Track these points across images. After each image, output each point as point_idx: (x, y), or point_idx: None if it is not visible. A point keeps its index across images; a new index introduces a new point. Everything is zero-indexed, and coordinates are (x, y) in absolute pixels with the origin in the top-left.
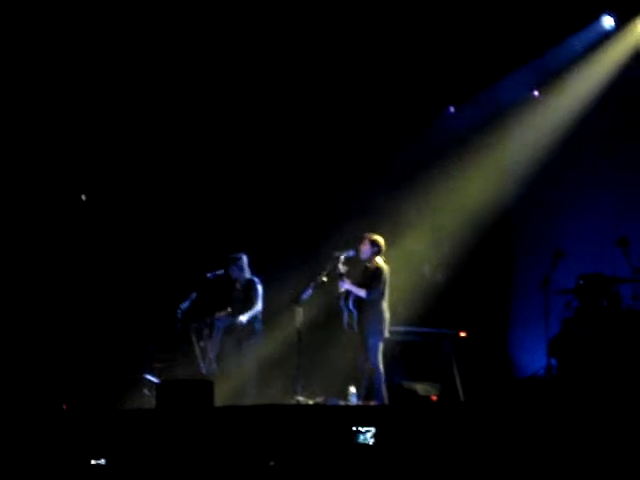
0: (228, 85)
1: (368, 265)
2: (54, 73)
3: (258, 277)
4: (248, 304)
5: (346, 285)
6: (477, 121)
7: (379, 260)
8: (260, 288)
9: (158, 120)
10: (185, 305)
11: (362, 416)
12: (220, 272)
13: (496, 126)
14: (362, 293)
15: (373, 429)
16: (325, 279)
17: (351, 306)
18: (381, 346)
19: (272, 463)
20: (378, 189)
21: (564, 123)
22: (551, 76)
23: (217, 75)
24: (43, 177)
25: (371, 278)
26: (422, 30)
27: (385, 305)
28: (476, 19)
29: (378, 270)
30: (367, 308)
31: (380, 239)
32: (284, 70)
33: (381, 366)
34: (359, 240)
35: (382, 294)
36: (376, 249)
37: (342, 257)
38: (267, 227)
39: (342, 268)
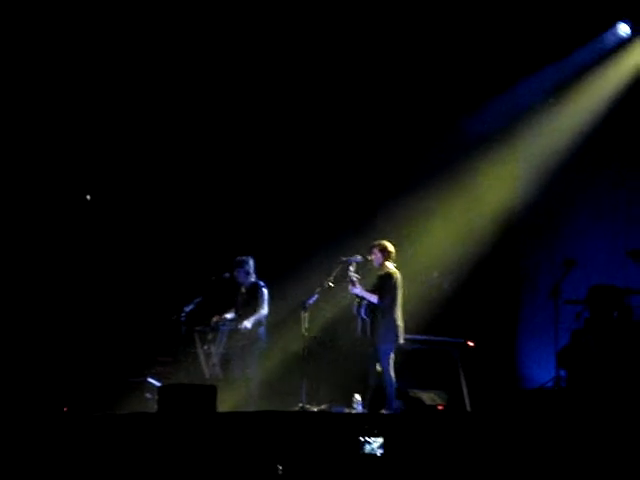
0: (240, 93)
1: (379, 272)
2: (59, 74)
3: (263, 282)
4: (252, 308)
5: (357, 290)
6: (491, 127)
7: (389, 266)
8: (265, 292)
9: (165, 124)
10: (189, 308)
11: (367, 424)
12: (225, 275)
13: (507, 134)
14: (373, 299)
15: (381, 439)
16: (332, 284)
17: (363, 313)
18: (392, 354)
19: (280, 469)
20: (386, 196)
21: (578, 130)
22: (565, 83)
23: (230, 83)
24: (48, 177)
25: (381, 284)
26: (437, 34)
27: (398, 312)
28: (493, 24)
29: (388, 276)
30: (379, 315)
31: (389, 245)
32: (297, 76)
33: (393, 374)
34: (368, 250)
35: (394, 300)
36: (385, 254)
37: (353, 263)
38: (272, 232)
39: (353, 275)
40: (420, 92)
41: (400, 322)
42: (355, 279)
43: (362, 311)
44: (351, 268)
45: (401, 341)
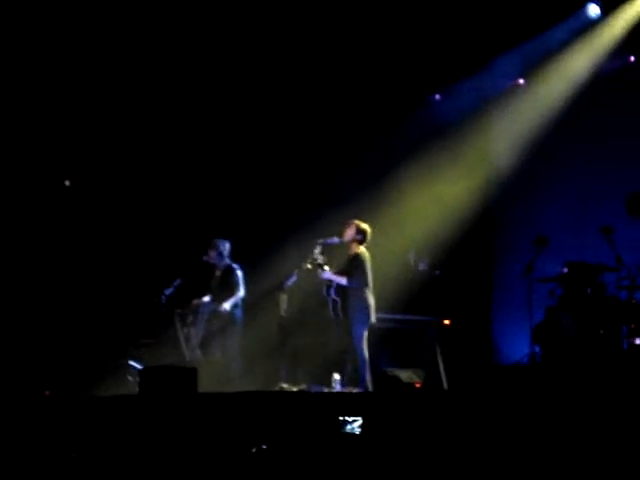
0: (211, 74)
1: (349, 252)
2: (39, 60)
3: (237, 264)
4: (227, 291)
5: (326, 275)
6: (460, 110)
7: (360, 247)
8: (240, 274)
9: (142, 108)
10: (169, 291)
11: (346, 403)
12: (205, 258)
13: (479, 115)
14: (343, 281)
15: (360, 419)
16: (309, 266)
17: (333, 294)
18: (366, 334)
19: (254, 450)
20: (362, 177)
21: (548, 112)
22: (536, 64)
23: (200, 63)
24: (27, 162)
25: (350, 265)
26: (403, 18)
27: (369, 292)
28: (460, 5)
29: (357, 257)
30: (351, 296)
31: (367, 227)
32: (267, 61)
33: (366, 353)
34: (345, 224)
35: (365, 281)
36: (360, 237)
37: (319, 247)
38: (250, 214)
39: (320, 258)
40: (389, 76)
41: (371, 302)
42: (322, 262)
43: (332, 292)
44: (316, 251)
45: (373, 320)
